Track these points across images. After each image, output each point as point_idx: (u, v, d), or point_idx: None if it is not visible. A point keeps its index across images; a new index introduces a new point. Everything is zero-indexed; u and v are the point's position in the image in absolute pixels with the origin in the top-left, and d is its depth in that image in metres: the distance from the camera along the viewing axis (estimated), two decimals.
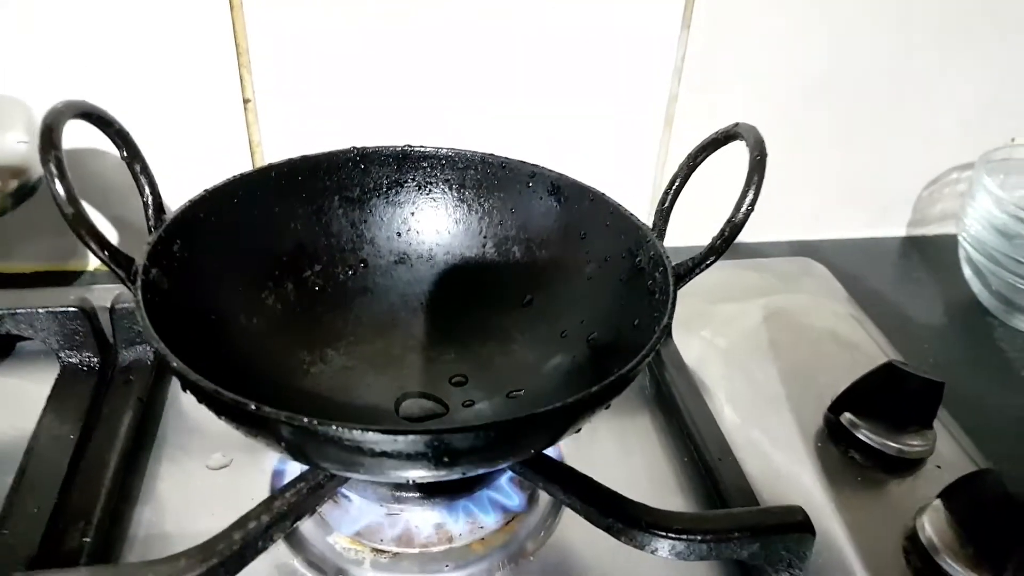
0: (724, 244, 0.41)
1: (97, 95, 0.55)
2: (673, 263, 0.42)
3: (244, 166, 0.61)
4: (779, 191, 0.70)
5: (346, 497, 0.43)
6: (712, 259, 0.41)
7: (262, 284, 0.47)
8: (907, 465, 0.49)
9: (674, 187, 0.46)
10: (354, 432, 0.30)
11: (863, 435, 0.50)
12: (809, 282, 0.68)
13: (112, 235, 0.61)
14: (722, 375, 0.56)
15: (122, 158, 0.40)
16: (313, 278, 0.49)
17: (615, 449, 0.50)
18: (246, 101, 0.59)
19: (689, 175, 0.45)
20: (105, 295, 0.58)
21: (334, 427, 0.31)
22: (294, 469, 0.46)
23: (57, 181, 0.34)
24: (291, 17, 0.57)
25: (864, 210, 0.77)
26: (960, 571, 0.42)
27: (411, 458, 0.32)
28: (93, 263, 0.65)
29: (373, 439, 0.31)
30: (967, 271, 0.70)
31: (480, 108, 0.64)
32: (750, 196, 0.40)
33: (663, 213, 0.46)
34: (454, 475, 0.38)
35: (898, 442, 0.49)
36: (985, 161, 0.67)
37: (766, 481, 0.47)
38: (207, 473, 0.47)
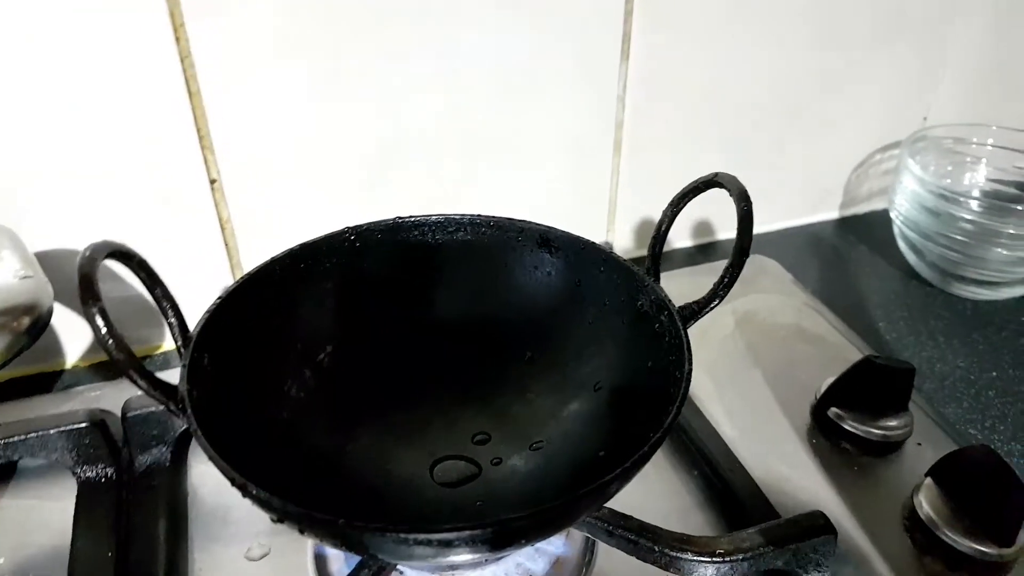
0: (725, 290, 0.44)
1: (65, 193, 0.55)
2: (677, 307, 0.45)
3: (215, 242, 0.62)
4: (724, 194, 0.75)
5: (399, 571, 0.45)
6: (716, 303, 0.44)
7: (283, 376, 0.47)
8: (892, 447, 0.54)
9: (660, 231, 0.49)
10: (442, 534, 0.32)
11: (849, 426, 0.54)
12: (766, 280, 0.72)
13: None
14: (713, 386, 0.59)
15: (144, 285, 0.40)
16: (327, 360, 0.49)
17: None
18: (212, 181, 0.59)
19: (673, 219, 0.48)
20: (94, 396, 0.58)
21: (422, 535, 0.32)
22: (334, 551, 0.48)
23: (105, 332, 0.34)
24: (248, 100, 0.57)
25: (800, 200, 0.83)
26: (961, 542, 0.46)
27: (475, 544, 0.33)
28: (71, 361, 0.64)
29: (454, 537, 0.32)
30: (902, 245, 0.75)
31: (437, 168, 0.66)
32: (744, 243, 0.43)
33: (654, 258, 0.48)
34: (510, 552, 0.40)
35: (881, 428, 0.54)
36: (908, 145, 0.72)
37: (775, 483, 0.51)
38: (249, 565, 0.48)
